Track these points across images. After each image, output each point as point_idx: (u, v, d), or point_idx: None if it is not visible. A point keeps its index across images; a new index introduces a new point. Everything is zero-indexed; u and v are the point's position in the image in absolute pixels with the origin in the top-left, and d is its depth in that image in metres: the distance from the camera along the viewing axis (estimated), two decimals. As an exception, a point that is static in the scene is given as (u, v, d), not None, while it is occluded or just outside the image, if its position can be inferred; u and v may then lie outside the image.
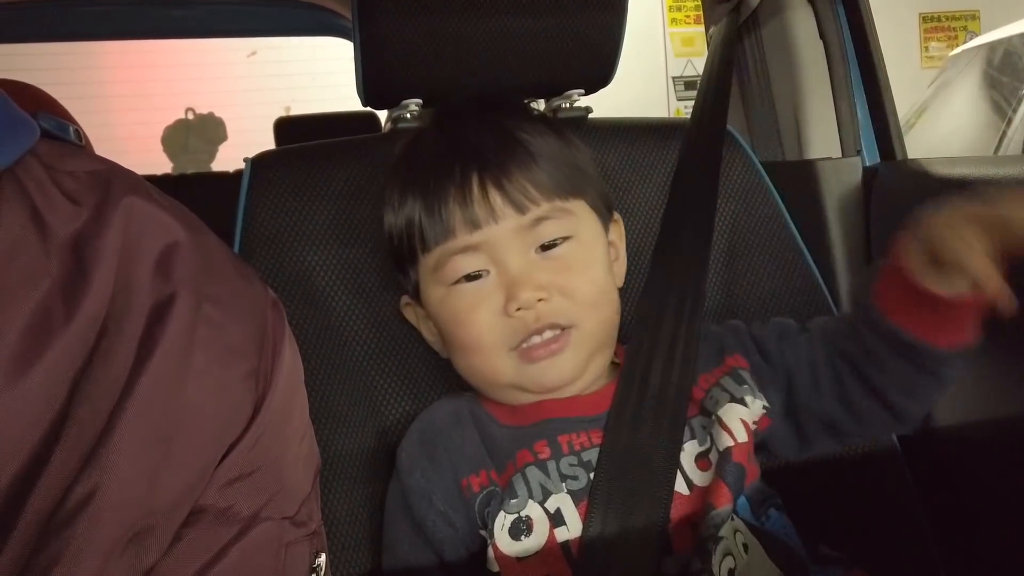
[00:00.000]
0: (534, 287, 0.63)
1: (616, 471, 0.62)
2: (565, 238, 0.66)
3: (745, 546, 0.60)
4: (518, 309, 0.63)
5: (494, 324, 0.64)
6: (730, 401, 0.65)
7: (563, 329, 0.65)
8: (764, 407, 0.67)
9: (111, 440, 0.38)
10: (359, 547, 0.68)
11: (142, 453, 0.39)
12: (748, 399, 0.66)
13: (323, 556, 0.49)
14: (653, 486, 0.61)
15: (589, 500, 0.61)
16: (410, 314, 0.74)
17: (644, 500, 0.61)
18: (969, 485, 0.83)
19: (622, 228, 0.76)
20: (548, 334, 0.64)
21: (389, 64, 0.78)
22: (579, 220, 0.68)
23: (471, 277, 0.65)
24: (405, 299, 0.73)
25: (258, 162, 0.79)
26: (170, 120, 3.27)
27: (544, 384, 0.65)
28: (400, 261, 0.70)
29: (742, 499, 0.63)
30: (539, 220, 0.65)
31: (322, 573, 0.48)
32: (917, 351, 0.62)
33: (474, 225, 0.64)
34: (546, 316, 0.64)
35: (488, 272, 0.65)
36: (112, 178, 0.45)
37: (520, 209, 0.65)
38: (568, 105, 0.88)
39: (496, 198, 0.64)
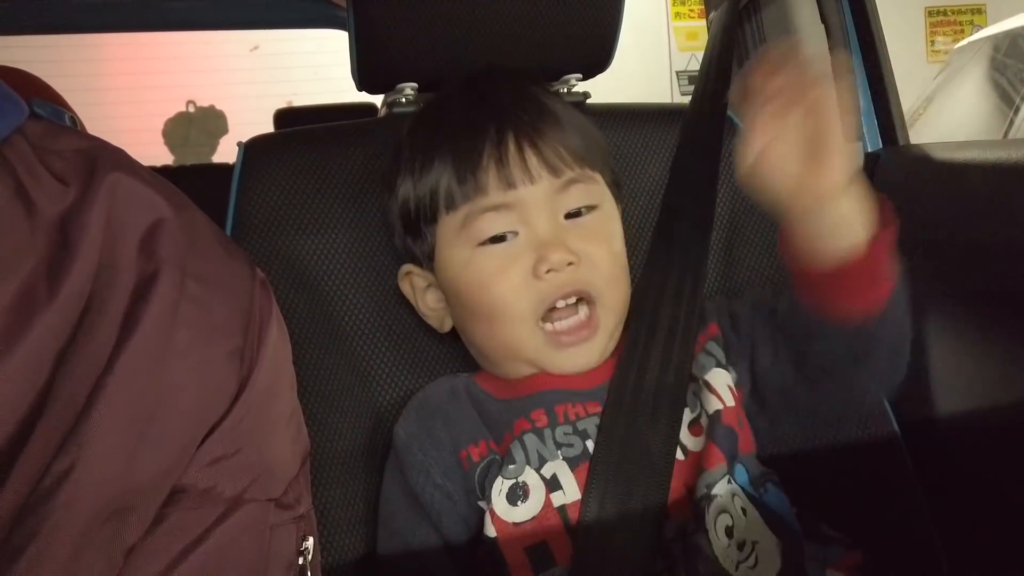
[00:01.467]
0: (566, 250, 0.63)
1: (615, 455, 0.61)
2: (590, 207, 0.67)
3: (744, 510, 0.61)
4: (548, 271, 0.63)
5: (521, 288, 0.64)
6: (716, 366, 0.66)
7: (588, 302, 0.65)
8: (733, 379, 0.66)
9: (90, 417, 0.38)
10: (354, 530, 0.68)
11: (121, 430, 0.39)
12: (729, 367, 0.66)
13: (311, 540, 0.48)
14: (652, 468, 0.61)
15: (588, 481, 0.61)
16: (407, 286, 0.72)
17: (644, 481, 0.61)
18: (969, 469, 0.82)
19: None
20: (579, 314, 0.65)
21: (384, 48, 0.78)
22: (603, 192, 0.69)
23: (497, 239, 0.65)
24: (407, 267, 0.72)
25: (251, 147, 0.78)
26: (171, 113, 3.27)
27: (566, 369, 0.65)
28: (415, 224, 0.69)
29: (741, 469, 0.63)
30: (570, 183, 0.66)
31: (309, 557, 0.48)
32: (830, 325, 0.58)
33: (509, 184, 0.64)
34: (574, 281, 0.64)
35: (516, 234, 0.65)
36: (98, 155, 0.44)
37: (554, 171, 0.65)
38: (566, 90, 0.87)
39: (532, 158, 0.64)
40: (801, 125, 0.53)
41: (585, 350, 0.65)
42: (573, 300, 0.65)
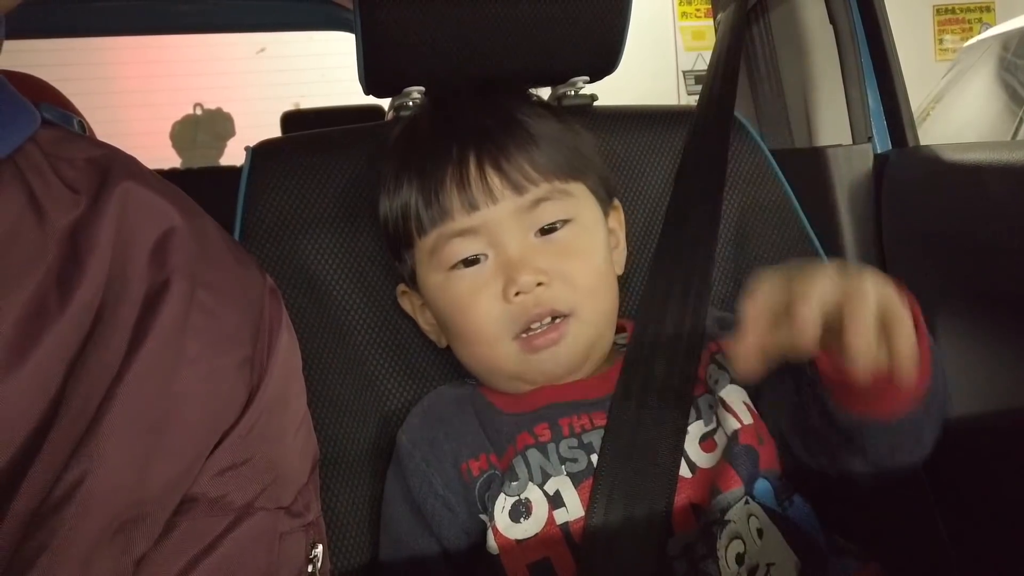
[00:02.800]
0: (533, 270, 0.63)
1: (620, 459, 0.61)
2: (565, 221, 0.65)
3: (760, 531, 0.59)
4: (517, 294, 0.62)
5: (494, 311, 0.63)
6: (731, 382, 0.64)
7: (563, 317, 0.64)
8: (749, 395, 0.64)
9: (100, 428, 0.38)
10: (361, 536, 0.68)
11: (131, 441, 0.39)
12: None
13: (320, 547, 0.48)
14: (657, 474, 0.61)
15: (593, 487, 0.60)
16: (406, 303, 0.73)
17: (648, 487, 0.60)
18: (981, 473, 0.81)
19: (622, 215, 0.75)
20: (547, 321, 0.64)
21: (390, 51, 0.77)
22: (579, 203, 0.67)
23: (469, 262, 0.64)
24: (401, 287, 0.73)
25: (259, 151, 0.78)
26: (179, 116, 3.28)
27: (543, 373, 0.65)
28: (396, 247, 0.69)
29: (765, 484, 0.61)
30: (538, 201, 0.64)
31: (319, 564, 0.48)
32: (831, 413, 0.53)
33: (472, 207, 0.63)
34: (546, 302, 0.63)
35: (486, 256, 0.64)
36: (110, 164, 0.44)
37: (518, 190, 0.64)
38: (573, 92, 0.87)
39: (494, 179, 0.63)
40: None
41: (555, 353, 0.64)
42: (548, 320, 0.64)
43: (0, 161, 0.40)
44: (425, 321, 0.71)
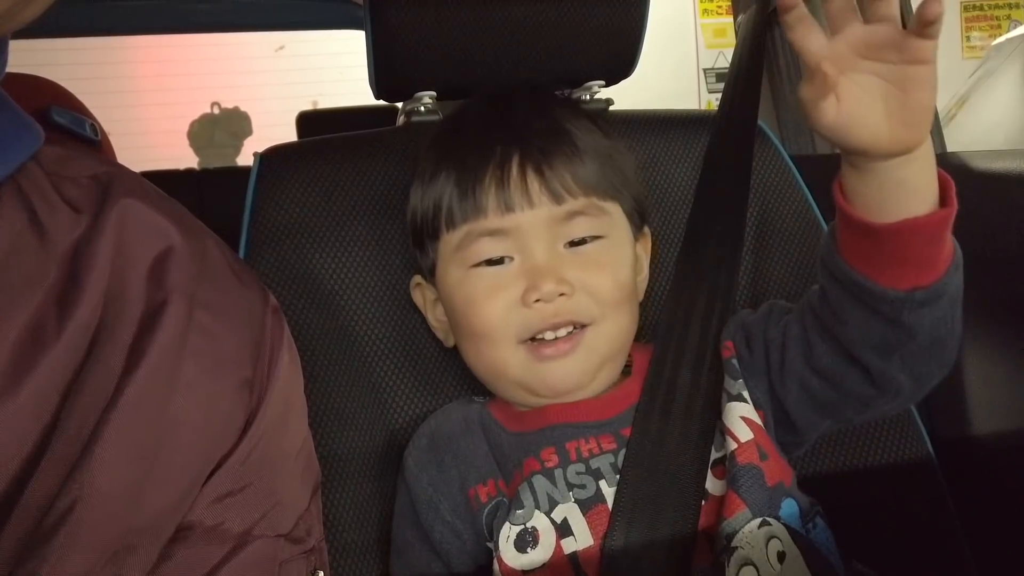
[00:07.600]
0: (557, 280, 0.61)
1: (641, 485, 0.59)
2: (595, 237, 0.64)
3: (781, 554, 0.57)
4: (536, 300, 0.61)
5: (508, 313, 0.62)
6: (729, 400, 0.62)
7: (580, 328, 0.63)
8: (749, 407, 0.62)
9: (93, 453, 0.37)
10: (368, 551, 0.67)
11: (124, 467, 0.38)
12: (744, 392, 0.62)
13: (321, 574, 0.47)
14: (680, 499, 0.59)
15: (612, 511, 0.58)
16: (418, 296, 0.72)
17: (670, 513, 0.58)
18: (1010, 500, 0.79)
19: (650, 243, 0.73)
20: (563, 332, 0.62)
21: (402, 55, 0.76)
22: (612, 222, 0.66)
23: (492, 262, 0.63)
24: (417, 279, 0.71)
25: (267, 157, 0.77)
26: (196, 115, 3.29)
27: (549, 385, 0.63)
28: (421, 238, 0.68)
29: (791, 503, 0.59)
30: (573, 214, 0.64)
31: (320, 591, 0.46)
32: (869, 293, 0.52)
33: (507, 208, 0.62)
34: (564, 312, 0.62)
35: (512, 259, 0.63)
36: (111, 181, 0.44)
37: (556, 199, 0.63)
38: (588, 97, 0.85)
39: (534, 184, 0.63)
40: (891, 71, 0.50)
41: (564, 365, 0.62)
42: (564, 332, 0.62)
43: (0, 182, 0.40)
44: (435, 318, 0.71)
